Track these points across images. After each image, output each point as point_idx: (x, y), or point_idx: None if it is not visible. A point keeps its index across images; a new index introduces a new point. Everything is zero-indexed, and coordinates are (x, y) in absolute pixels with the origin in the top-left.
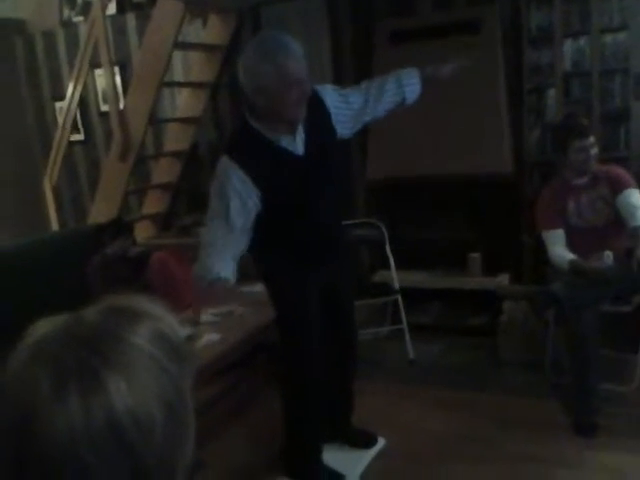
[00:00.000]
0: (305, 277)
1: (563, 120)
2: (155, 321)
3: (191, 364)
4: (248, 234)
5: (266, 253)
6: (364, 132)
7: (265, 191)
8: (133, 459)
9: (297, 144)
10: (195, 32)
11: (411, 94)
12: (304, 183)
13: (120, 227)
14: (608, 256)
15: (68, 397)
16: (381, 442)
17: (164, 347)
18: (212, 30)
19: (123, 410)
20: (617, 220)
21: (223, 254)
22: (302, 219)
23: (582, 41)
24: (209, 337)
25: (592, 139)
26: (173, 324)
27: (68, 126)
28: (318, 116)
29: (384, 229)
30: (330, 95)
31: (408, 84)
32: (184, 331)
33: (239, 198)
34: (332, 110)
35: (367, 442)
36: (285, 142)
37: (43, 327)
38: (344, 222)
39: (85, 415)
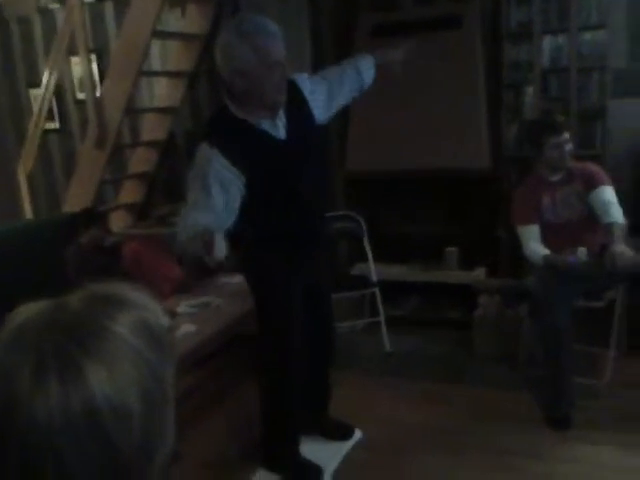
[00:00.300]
0: (287, 267)
1: (539, 117)
2: (138, 309)
3: (172, 353)
4: (232, 216)
5: (248, 242)
6: (344, 123)
7: (248, 175)
8: (110, 447)
9: (278, 128)
10: (174, 21)
11: (368, 79)
12: (287, 167)
13: (93, 216)
14: (582, 252)
15: (48, 384)
16: (358, 434)
17: (145, 336)
18: (191, 19)
19: (101, 398)
20: (591, 216)
21: (206, 217)
22: (285, 204)
23: (560, 38)
24: (186, 328)
25: (567, 135)
26: (157, 312)
27: (43, 114)
28: (296, 102)
29: (362, 222)
30: (304, 82)
31: (365, 70)
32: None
33: (220, 185)
34: (308, 96)
35: (344, 434)
36: (266, 125)
37: (25, 313)
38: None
39: (64, 402)
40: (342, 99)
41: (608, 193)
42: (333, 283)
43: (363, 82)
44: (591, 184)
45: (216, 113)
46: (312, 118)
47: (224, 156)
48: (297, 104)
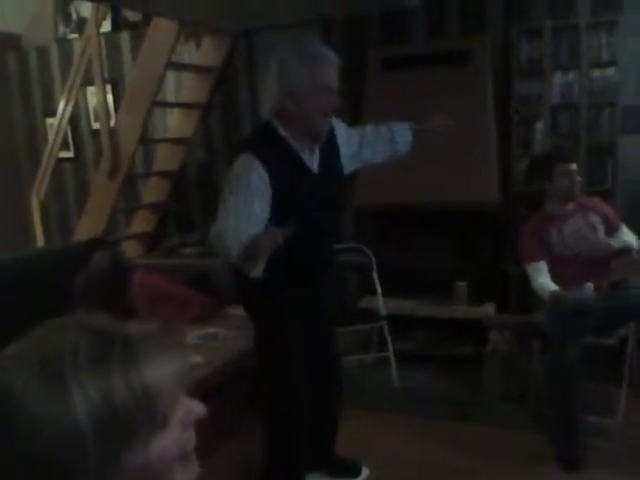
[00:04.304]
0: (291, 299)
1: (548, 150)
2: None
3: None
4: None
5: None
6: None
7: (277, 194)
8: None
9: (313, 161)
10: (188, 53)
11: (403, 147)
12: (314, 200)
13: (101, 245)
14: (589, 287)
15: None
16: (365, 472)
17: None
18: (205, 52)
19: None
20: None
21: (251, 228)
22: (300, 236)
23: (571, 75)
24: (192, 359)
25: (575, 165)
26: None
27: (58, 142)
28: (331, 143)
29: (371, 255)
30: (340, 128)
31: (400, 137)
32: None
33: (261, 196)
34: (340, 142)
35: (351, 471)
36: (304, 155)
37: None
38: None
39: None
40: (371, 157)
41: (625, 231)
42: (339, 317)
43: (396, 149)
44: (612, 225)
45: (261, 129)
46: (340, 164)
47: (264, 168)
48: (331, 145)
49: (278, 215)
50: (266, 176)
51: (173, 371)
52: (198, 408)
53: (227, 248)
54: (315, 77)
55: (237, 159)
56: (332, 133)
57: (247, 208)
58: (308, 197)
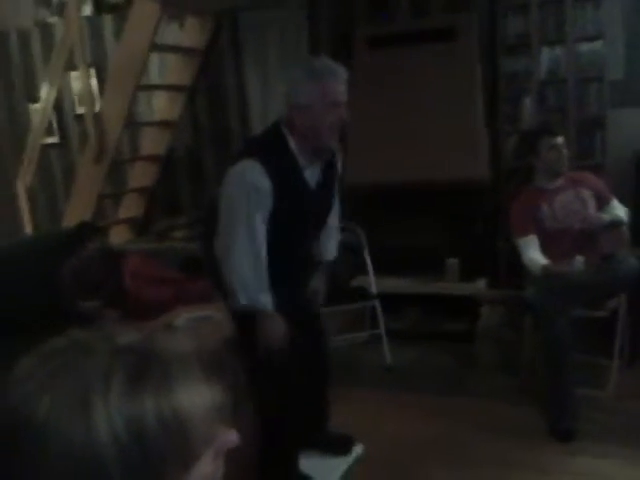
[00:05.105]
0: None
1: (535, 125)
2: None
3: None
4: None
5: None
6: (342, 137)
7: (275, 207)
8: None
9: (313, 178)
10: (172, 35)
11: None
12: (305, 216)
13: (89, 230)
14: (579, 261)
15: None
16: (359, 448)
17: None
18: (189, 33)
19: None
20: (593, 225)
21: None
22: (287, 251)
23: (558, 49)
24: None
25: (562, 139)
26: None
27: (42, 128)
28: (332, 165)
29: (362, 234)
30: (339, 162)
31: (322, 250)
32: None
33: (266, 208)
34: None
35: (344, 448)
36: (307, 171)
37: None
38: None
39: None
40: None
41: (617, 205)
42: (324, 299)
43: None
44: (603, 199)
45: (271, 132)
46: (335, 187)
47: (270, 179)
48: (331, 167)
49: (268, 228)
50: (271, 187)
51: (211, 402)
52: (232, 438)
53: (236, 291)
54: (323, 93)
55: (243, 162)
56: (334, 156)
57: (256, 231)
58: (301, 213)
